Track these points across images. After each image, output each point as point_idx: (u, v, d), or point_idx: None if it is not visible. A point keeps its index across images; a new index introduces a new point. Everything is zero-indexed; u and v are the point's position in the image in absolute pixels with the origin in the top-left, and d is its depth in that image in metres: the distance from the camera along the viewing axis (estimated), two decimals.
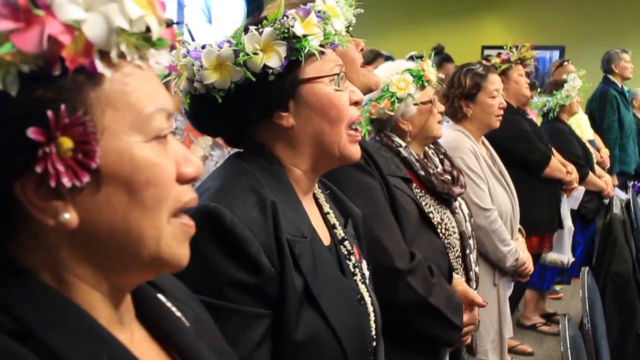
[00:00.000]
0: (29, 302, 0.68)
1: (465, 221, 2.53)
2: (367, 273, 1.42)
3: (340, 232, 1.39)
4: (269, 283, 1.17)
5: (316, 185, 1.42)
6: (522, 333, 4.59)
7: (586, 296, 2.47)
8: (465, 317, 1.86)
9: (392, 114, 2.38)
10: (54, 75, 0.66)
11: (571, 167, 4.28)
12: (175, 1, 8.11)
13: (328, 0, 1.30)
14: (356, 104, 1.35)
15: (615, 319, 3.25)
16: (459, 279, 2.04)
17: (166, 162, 0.74)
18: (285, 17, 1.23)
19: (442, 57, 5.70)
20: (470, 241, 2.53)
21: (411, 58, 2.50)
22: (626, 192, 5.28)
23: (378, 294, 1.44)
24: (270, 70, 1.23)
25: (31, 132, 0.64)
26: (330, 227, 1.39)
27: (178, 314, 0.87)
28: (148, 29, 0.71)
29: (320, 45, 1.27)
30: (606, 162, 5.28)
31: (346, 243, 1.39)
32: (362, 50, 1.77)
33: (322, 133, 1.30)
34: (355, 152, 1.35)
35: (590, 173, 4.61)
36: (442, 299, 1.73)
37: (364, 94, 1.82)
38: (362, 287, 1.38)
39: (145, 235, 0.73)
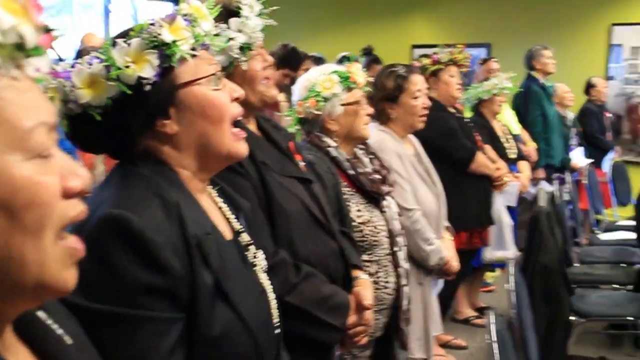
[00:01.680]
0: None
1: (393, 219, 2.56)
2: (264, 262, 1.44)
3: (235, 224, 1.40)
4: (180, 285, 1.17)
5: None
6: (456, 327, 4.65)
7: (513, 289, 2.53)
8: (352, 319, 1.84)
9: (319, 113, 2.40)
10: None
11: (501, 164, 4.35)
12: (102, 6, 7.99)
13: (192, 2, 1.30)
14: (236, 100, 1.35)
15: (543, 309, 3.34)
16: (363, 280, 2.00)
17: (49, 179, 0.69)
18: (151, 26, 1.22)
19: (370, 59, 5.74)
20: (398, 238, 2.55)
21: (341, 60, 2.52)
22: (551, 184, 5.46)
23: None
24: (145, 81, 1.21)
25: None
26: (227, 221, 1.40)
27: (59, 331, 0.83)
28: (22, 37, 0.66)
29: (192, 49, 1.26)
30: (533, 156, 5.42)
31: (243, 235, 1.40)
32: (269, 66, 1.80)
33: (206, 134, 1.30)
34: (241, 149, 1.36)
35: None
36: (309, 299, 1.70)
37: (259, 108, 1.83)
38: (263, 276, 1.40)
39: (28, 260, 0.68)
